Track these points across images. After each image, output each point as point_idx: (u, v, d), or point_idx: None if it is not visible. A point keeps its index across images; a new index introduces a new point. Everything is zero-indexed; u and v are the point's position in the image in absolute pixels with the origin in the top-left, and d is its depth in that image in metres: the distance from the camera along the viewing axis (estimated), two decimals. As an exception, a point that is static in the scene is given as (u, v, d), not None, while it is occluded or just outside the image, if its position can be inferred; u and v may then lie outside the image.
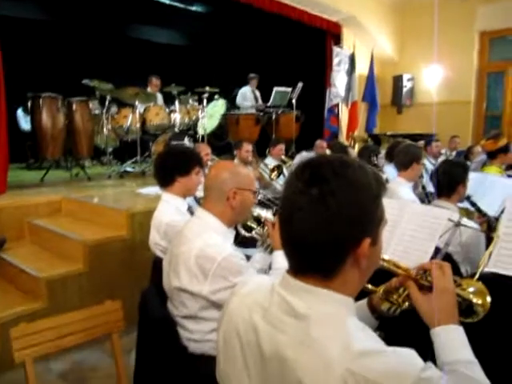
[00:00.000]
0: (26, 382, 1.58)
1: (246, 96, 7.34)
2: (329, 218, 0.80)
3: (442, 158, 5.76)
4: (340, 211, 0.80)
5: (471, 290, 1.11)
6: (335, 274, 0.85)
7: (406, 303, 1.16)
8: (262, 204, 3.10)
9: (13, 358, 1.56)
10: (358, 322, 0.84)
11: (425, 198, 3.24)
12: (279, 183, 4.75)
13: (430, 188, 3.19)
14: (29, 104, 5.01)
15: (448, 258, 1.89)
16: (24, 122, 6.57)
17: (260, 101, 7.45)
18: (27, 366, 1.57)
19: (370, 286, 1.21)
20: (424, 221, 1.87)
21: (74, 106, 5.09)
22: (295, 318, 0.83)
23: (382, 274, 1.14)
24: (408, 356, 0.78)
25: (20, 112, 6.67)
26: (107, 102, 5.61)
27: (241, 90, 7.39)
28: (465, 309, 1.09)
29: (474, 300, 1.09)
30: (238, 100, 7.36)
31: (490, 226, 2.67)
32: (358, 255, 0.84)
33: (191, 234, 1.65)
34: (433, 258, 1.77)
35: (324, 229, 0.81)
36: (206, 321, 1.58)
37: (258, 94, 7.48)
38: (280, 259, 1.75)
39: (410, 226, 1.89)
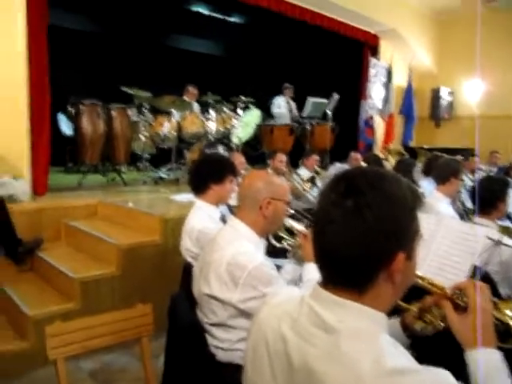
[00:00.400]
0: (57, 379, 1.61)
1: (281, 105, 7.36)
2: (363, 231, 0.79)
3: (480, 174, 5.59)
4: (375, 224, 0.79)
5: (509, 313, 1.07)
6: (368, 289, 0.83)
7: (441, 323, 1.12)
8: (294, 215, 3.09)
9: (46, 355, 1.60)
10: (391, 339, 0.82)
11: (464, 214, 3.14)
12: (312, 194, 4.72)
13: (469, 204, 3.09)
14: (71, 109, 5.19)
15: (486, 277, 1.82)
16: (65, 126, 6.80)
17: (295, 111, 7.45)
18: (59, 364, 1.60)
19: (404, 304, 1.18)
20: (461, 238, 1.81)
21: (114, 113, 5.25)
22: (325, 331, 0.82)
23: (417, 292, 1.10)
24: (443, 376, 0.75)
25: (61, 116, 6.91)
26: (145, 110, 5.75)
27: (276, 99, 7.42)
28: (503, 333, 1.04)
29: None
30: (274, 109, 7.39)
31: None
32: (392, 270, 0.82)
33: (223, 241, 1.65)
34: (471, 277, 1.71)
35: (358, 242, 0.80)
36: (234, 329, 1.57)
37: (292, 104, 7.48)
38: (311, 271, 1.73)
39: (447, 242, 1.83)
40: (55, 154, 5.15)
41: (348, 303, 0.83)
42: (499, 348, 0.98)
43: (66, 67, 7.00)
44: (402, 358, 0.77)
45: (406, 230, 0.83)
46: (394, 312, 0.92)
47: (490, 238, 1.80)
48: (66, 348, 1.62)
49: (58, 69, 5.52)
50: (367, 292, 0.83)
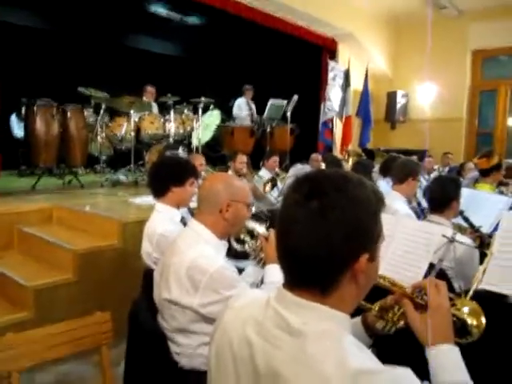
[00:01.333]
0: (11, 394, 1.54)
1: (242, 107, 7.37)
2: (327, 232, 0.80)
3: (434, 174, 5.81)
4: (339, 226, 0.80)
5: (466, 309, 1.10)
6: (332, 290, 0.84)
7: (401, 322, 1.15)
8: (256, 217, 3.09)
9: (-3, 369, 1.52)
10: (355, 340, 0.82)
11: (420, 214, 3.24)
12: (273, 196, 4.75)
13: (425, 204, 3.19)
14: (23, 110, 4.98)
15: (442, 273, 1.88)
16: (17, 128, 6.52)
17: (255, 113, 7.48)
18: (13, 379, 1.52)
19: (365, 303, 1.20)
20: (418, 236, 1.86)
21: (69, 114, 5.07)
22: (290, 334, 0.82)
23: (378, 291, 1.12)
24: (406, 375, 0.77)
25: (14, 118, 6.62)
26: (102, 111, 5.61)
27: (236, 101, 7.42)
28: (460, 329, 1.07)
29: (469, 321, 1.08)
30: (235, 111, 7.40)
31: (482, 241, 2.68)
32: (356, 271, 0.83)
33: (183, 245, 1.63)
34: (427, 273, 1.77)
35: (322, 243, 0.80)
36: (196, 334, 1.55)
37: (253, 105, 7.52)
38: (273, 273, 1.73)
39: (404, 242, 1.88)
40: (8, 156, 4.94)
41: (312, 305, 0.83)
42: (457, 344, 1.01)
43: (19, 67, 6.71)
44: (366, 359, 0.78)
45: (370, 231, 0.84)
46: (355, 312, 0.93)
47: (444, 236, 1.87)
48: (20, 361, 1.55)
49: (10, 69, 5.31)
50: (331, 293, 0.84)
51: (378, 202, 0.86)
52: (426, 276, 1.75)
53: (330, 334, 0.80)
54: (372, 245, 0.86)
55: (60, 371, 2.61)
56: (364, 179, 0.89)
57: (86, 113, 5.54)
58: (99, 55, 7.83)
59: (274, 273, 1.73)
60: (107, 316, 1.74)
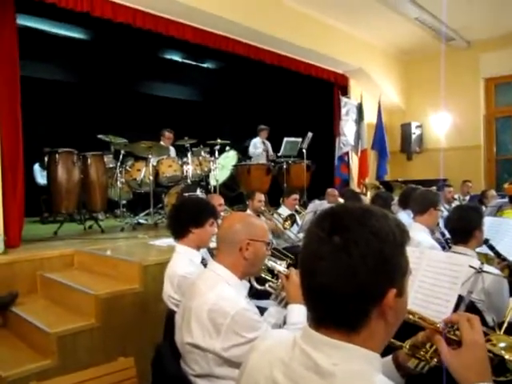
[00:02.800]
0: None
1: (257, 146, 7.49)
2: (352, 269, 0.78)
3: (455, 204, 5.72)
4: (364, 261, 0.78)
5: (502, 345, 1.05)
6: (360, 328, 0.81)
7: (435, 359, 1.09)
8: (275, 255, 3.06)
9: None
10: (387, 380, 0.79)
11: (445, 245, 3.16)
12: (293, 232, 4.72)
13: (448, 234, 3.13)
14: (45, 159, 5.14)
15: (472, 306, 1.82)
16: (40, 177, 6.73)
17: (271, 151, 7.58)
18: (36, 429, 1.50)
19: (395, 341, 1.15)
20: (444, 268, 1.81)
21: (89, 161, 5.21)
22: (318, 375, 0.79)
23: (407, 328, 1.08)
24: None
25: (37, 167, 6.84)
26: (121, 156, 5.75)
27: (252, 140, 7.55)
28: (497, 366, 1.01)
29: (507, 356, 1.02)
30: (250, 150, 7.53)
31: (511, 271, 2.59)
32: (384, 307, 0.80)
33: (204, 286, 1.61)
34: (456, 307, 1.71)
35: (347, 280, 0.78)
36: (219, 379, 1.51)
37: (268, 144, 7.62)
38: (295, 314, 1.70)
39: (430, 274, 1.83)
40: (31, 204, 5.06)
41: (341, 344, 0.81)
42: (495, 382, 0.96)
43: (42, 118, 7.01)
44: None
45: (396, 265, 0.82)
46: (386, 350, 0.90)
47: (471, 267, 1.82)
48: (44, 410, 1.53)
49: (33, 121, 5.52)
50: (359, 331, 0.81)
51: (402, 234, 0.85)
52: (455, 310, 1.70)
53: (360, 376, 0.78)
54: (399, 279, 0.83)
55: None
56: (386, 212, 0.88)
57: (105, 159, 5.67)
58: (117, 103, 8.13)
59: (297, 313, 1.70)
60: (131, 362, 1.73)
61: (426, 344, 1.12)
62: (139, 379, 1.74)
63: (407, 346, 1.15)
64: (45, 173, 5.51)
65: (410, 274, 0.87)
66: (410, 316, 1.10)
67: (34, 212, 6.24)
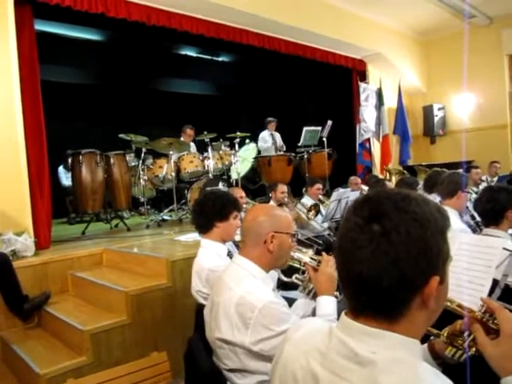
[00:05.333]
0: None
1: (266, 140, 7.47)
2: (394, 256, 0.75)
3: (483, 185, 5.57)
4: (406, 248, 0.75)
5: None
6: (401, 316, 0.79)
7: (473, 348, 1.05)
8: (301, 243, 3.04)
9: (61, 416, 1.53)
10: (430, 367, 0.77)
11: (476, 228, 3.08)
12: (317, 222, 4.69)
13: (478, 217, 3.04)
14: (69, 161, 5.23)
15: (508, 290, 1.76)
16: (65, 179, 6.86)
17: (280, 142, 7.53)
18: (75, 425, 1.53)
19: (432, 329, 1.12)
20: (476, 251, 1.76)
21: (112, 160, 5.27)
22: (359, 365, 0.77)
23: (445, 316, 1.05)
24: None
25: (61, 169, 6.97)
26: (143, 154, 5.81)
27: (260, 134, 7.54)
28: None
29: None
30: (260, 144, 7.52)
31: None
32: (426, 295, 0.78)
33: (230, 281, 1.61)
34: (491, 291, 1.66)
35: (389, 268, 0.75)
36: (251, 374, 1.51)
37: (277, 136, 7.59)
38: (325, 306, 1.68)
39: (462, 258, 1.78)
40: (57, 206, 5.17)
41: (382, 333, 0.78)
42: None
43: (63, 121, 7.13)
44: None
45: (438, 252, 0.79)
46: (422, 338, 0.87)
47: (505, 249, 1.76)
48: (82, 406, 1.56)
49: (56, 123, 5.63)
50: (399, 320, 0.79)
51: (443, 220, 0.82)
52: (490, 294, 1.65)
53: (403, 363, 0.75)
54: (441, 266, 0.80)
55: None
56: (426, 197, 0.85)
57: (128, 158, 5.74)
58: (136, 102, 8.21)
59: (326, 306, 1.68)
60: (164, 356, 1.74)
61: (463, 333, 1.09)
62: (173, 373, 1.76)
63: (445, 334, 1.12)
64: (69, 174, 5.61)
65: (451, 260, 0.83)
66: (448, 303, 1.07)
67: (61, 213, 6.38)
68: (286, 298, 1.86)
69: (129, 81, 8.24)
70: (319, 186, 5.09)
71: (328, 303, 1.68)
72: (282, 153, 7.11)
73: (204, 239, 2.44)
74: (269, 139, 7.45)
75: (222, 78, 9.86)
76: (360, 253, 0.78)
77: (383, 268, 0.76)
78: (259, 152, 7.53)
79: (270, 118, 7.56)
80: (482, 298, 1.07)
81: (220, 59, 9.63)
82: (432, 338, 1.16)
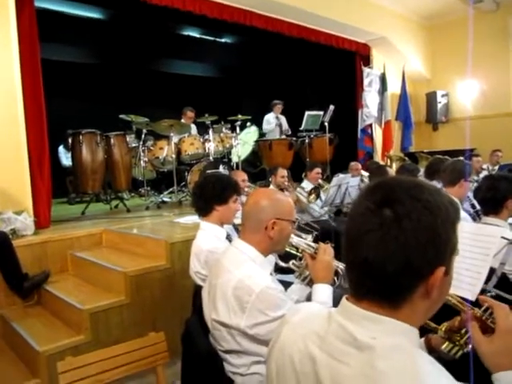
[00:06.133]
0: (73, 416, 1.57)
1: (270, 122, 7.39)
2: (402, 243, 0.75)
3: (484, 174, 5.56)
4: (415, 235, 0.75)
5: None
6: (403, 303, 0.79)
7: (469, 345, 1.06)
8: (300, 229, 3.05)
9: (59, 392, 1.55)
10: (427, 356, 0.77)
11: (475, 216, 3.08)
12: (317, 205, 4.70)
13: (478, 206, 3.05)
14: (69, 140, 5.21)
15: (504, 278, 1.77)
16: (65, 159, 6.85)
17: (286, 126, 7.47)
18: (73, 401, 1.56)
19: (430, 323, 1.12)
20: (475, 240, 1.76)
21: (112, 141, 5.25)
22: (357, 349, 0.77)
23: (444, 310, 1.06)
24: None
25: (61, 149, 6.96)
26: (143, 135, 5.78)
27: (265, 116, 7.46)
28: None
29: None
30: (264, 126, 7.43)
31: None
32: (430, 285, 0.78)
33: (229, 264, 1.61)
34: (488, 279, 1.67)
35: (397, 254, 0.75)
36: (247, 355, 1.53)
37: (283, 119, 7.51)
38: (321, 294, 1.69)
39: (461, 246, 1.78)
40: (57, 186, 5.16)
41: (382, 318, 0.79)
42: None
43: (64, 100, 7.08)
44: (442, 376, 0.73)
45: (447, 243, 0.78)
46: (420, 331, 0.87)
47: (504, 238, 1.76)
48: (80, 382, 1.58)
49: (56, 103, 5.59)
50: (401, 307, 0.79)
51: (455, 212, 0.81)
52: (487, 282, 1.66)
53: (401, 350, 0.76)
54: (448, 257, 0.80)
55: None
56: (438, 187, 0.85)
57: (128, 139, 5.71)
58: (137, 82, 8.15)
59: (322, 293, 1.69)
60: (161, 336, 1.76)
61: (461, 329, 1.10)
62: (170, 353, 1.78)
63: (443, 329, 1.13)
64: (69, 154, 5.60)
65: (457, 253, 0.83)
66: (449, 298, 1.07)
67: (61, 193, 6.39)
68: (283, 282, 1.87)
69: (130, 61, 8.17)
70: (318, 170, 5.08)
71: (324, 291, 1.69)
72: (283, 137, 7.08)
73: (203, 222, 2.44)
74: (273, 121, 7.39)
75: (225, 60, 9.77)
76: (368, 237, 0.77)
77: (391, 253, 0.75)
78: (261, 135, 7.49)
79: (276, 101, 7.47)
80: (479, 297, 1.07)
81: (223, 40, 9.53)
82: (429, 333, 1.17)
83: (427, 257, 0.76)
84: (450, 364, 1.08)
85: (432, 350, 1.15)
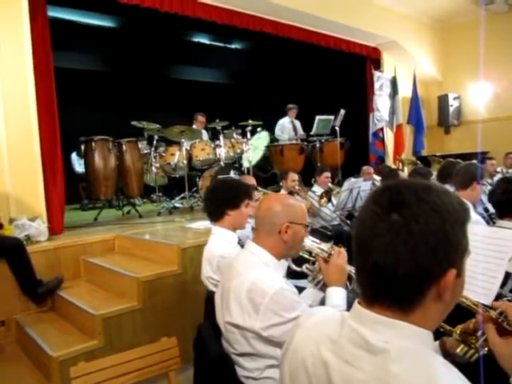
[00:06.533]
0: (86, 422, 1.57)
1: (284, 127, 7.39)
2: (412, 247, 0.74)
3: (498, 177, 5.49)
4: (424, 239, 0.74)
5: None
6: (415, 307, 0.78)
7: (486, 348, 1.04)
8: (315, 231, 3.03)
9: (72, 398, 1.56)
10: (442, 359, 0.76)
11: (489, 220, 3.04)
12: (329, 210, 4.68)
13: (492, 209, 3.01)
14: (82, 147, 5.27)
15: (521, 282, 1.74)
16: (78, 166, 6.92)
17: (300, 131, 7.46)
18: (87, 406, 1.56)
19: (445, 325, 1.11)
20: (490, 243, 1.74)
21: (124, 147, 5.30)
22: (370, 353, 0.77)
23: (459, 313, 1.04)
24: None
25: (74, 156, 7.04)
26: (155, 142, 5.82)
27: (279, 121, 7.45)
28: None
29: None
30: (277, 132, 7.42)
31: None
32: (442, 288, 0.77)
33: (242, 267, 1.62)
34: (503, 283, 1.64)
35: (406, 258, 0.75)
36: (261, 358, 1.53)
37: (297, 124, 7.50)
38: (334, 297, 1.68)
39: (475, 250, 1.76)
40: (70, 192, 5.22)
41: (395, 322, 0.78)
42: None
43: (76, 108, 7.17)
44: (457, 379, 0.72)
45: (457, 245, 0.78)
46: (435, 334, 0.86)
47: (519, 241, 1.73)
48: (93, 388, 1.59)
49: (69, 110, 5.66)
50: (413, 311, 0.78)
51: (464, 212, 0.80)
52: (502, 286, 1.63)
53: (415, 353, 0.75)
54: (459, 259, 0.79)
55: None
56: (447, 188, 0.83)
57: (140, 145, 5.76)
58: (149, 89, 8.23)
59: (336, 296, 1.68)
60: (174, 341, 1.76)
61: (477, 331, 1.08)
62: (182, 358, 1.78)
63: (457, 332, 1.11)
64: (82, 161, 5.66)
65: (469, 254, 0.82)
66: (464, 300, 1.05)
67: (74, 200, 6.46)
68: (296, 287, 1.86)
69: (141, 68, 8.25)
70: (327, 174, 5.07)
71: (337, 294, 1.69)
72: (294, 142, 7.07)
73: (215, 227, 2.44)
74: (289, 126, 7.37)
75: (235, 66, 9.82)
76: (377, 241, 0.77)
77: (400, 257, 0.75)
78: (271, 141, 7.49)
79: (290, 105, 7.46)
80: (493, 303, 1.05)
81: (233, 46, 9.58)
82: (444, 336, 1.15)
83: (437, 260, 0.75)
84: (466, 367, 1.06)
85: (447, 354, 1.13)
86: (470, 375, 1.04)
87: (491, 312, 1.02)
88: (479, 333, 1.07)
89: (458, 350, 1.10)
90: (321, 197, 4.50)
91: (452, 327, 1.12)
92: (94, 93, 7.71)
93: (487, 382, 1.00)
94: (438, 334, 1.08)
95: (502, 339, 0.96)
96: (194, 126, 6.40)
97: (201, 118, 6.53)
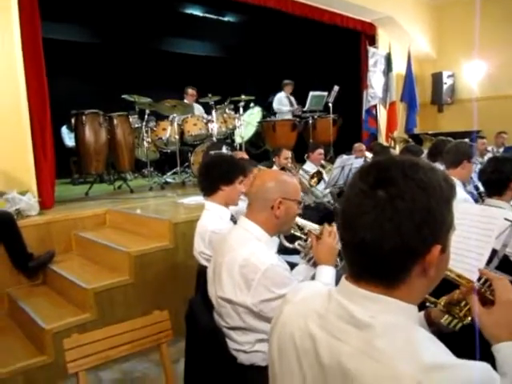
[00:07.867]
0: (79, 392, 1.60)
1: (282, 101, 7.33)
2: (397, 223, 0.75)
3: (488, 156, 5.53)
4: (410, 215, 0.75)
5: None
6: (400, 282, 0.80)
7: (468, 318, 1.09)
8: (306, 208, 3.05)
9: (66, 368, 1.58)
10: (426, 333, 0.78)
11: (478, 198, 3.08)
12: (319, 189, 4.69)
13: (482, 187, 3.04)
14: (72, 121, 5.20)
15: (506, 260, 1.78)
16: (68, 139, 6.84)
17: (296, 106, 7.41)
18: (80, 377, 1.58)
19: (429, 297, 1.14)
20: (478, 221, 1.76)
21: (115, 121, 5.23)
22: (356, 327, 0.79)
23: (443, 285, 1.07)
24: (484, 369, 0.72)
25: (64, 129, 6.94)
26: (146, 116, 5.75)
27: (276, 96, 7.39)
28: None
29: None
30: (275, 106, 7.36)
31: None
32: (427, 263, 0.78)
33: (235, 242, 1.63)
34: (489, 260, 1.68)
35: (392, 234, 0.76)
36: (252, 332, 1.56)
37: (293, 99, 7.45)
38: (324, 275, 1.71)
39: (463, 227, 1.79)
40: (61, 166, 5.17)
41: (380, 297, 0.80)
42: None
43: (66, 80, 7.04)
44: (441, 352, 0.74)
45: (442, 221, 0.79)
46: (419, 305, 0.89)
47: (506, 219, 1.76)
48: (86, 360, 1.61)
49: (58, 83, 5.56)
50: (399, 286, 0.80)
51: (450, 189, 0.81)
52: (488, 263, 1.66)
53: (400, 327, 0.77)
54: (444, 235, 0.80)
55: (123, 369, 2.70)
56: (434, 165, 0.84)
57: (131, 119, 5.69)
58: (140, 62, 8.07)
59: (325, 274, 1.71)
60: (166, 315, 1.78)
61: (461, 302, 1.12)
62: (174, 331, 1.80)
63: (442, 303, 1.14)
64: (72, 135, 5.59)
65: (454, 230, 0.83)
66: (448, 273, 1.08)
67: (64, 174, 6.40)
68: (288, 262, 1.89)
69: (133, 40, 8.07)
70: (321, 151, 5.06)
71: (327, 273, 1.71)
72: (286, 118, 7.03)
73: (208, 202, 2.45)
74: (286, 101, 7.32)
75: (228, 39, 9.64)
76: (363, 218, 0.78)
77: (386, 234, 0.76)
78: (264, 116, 7.43)
79: (286, 80, 7.39)
80: (479, 269, 1.08)
81: (226, 19, 9.38)
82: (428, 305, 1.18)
83: (422, 236, 0.76)
84: (450, 336, 1.10)
85: (432, 323, 1.16)
86: (455, 344, 1.09)
87: (475, 283, 1.06)
88: (463, 303, 1.10)
89: (443, 320, 1.14)
90: (311, 177, 4.50)
91: (436, 299, 1.15)
92: (84, 65, 7.55)
93: (470, 350, 1.05)
94: (422, 305, 1.11)
95: (484, 309, 0.99)
96: (186, 100, 6.32)
97: (191, 91, 6.45)
